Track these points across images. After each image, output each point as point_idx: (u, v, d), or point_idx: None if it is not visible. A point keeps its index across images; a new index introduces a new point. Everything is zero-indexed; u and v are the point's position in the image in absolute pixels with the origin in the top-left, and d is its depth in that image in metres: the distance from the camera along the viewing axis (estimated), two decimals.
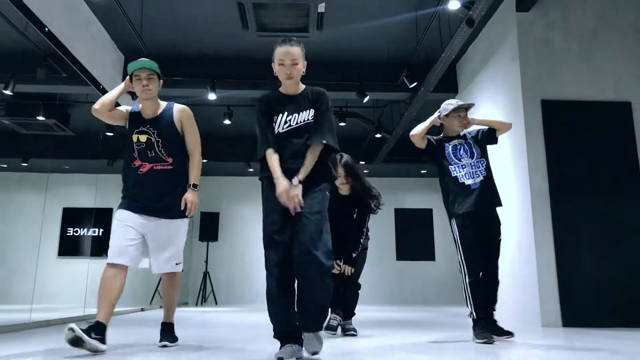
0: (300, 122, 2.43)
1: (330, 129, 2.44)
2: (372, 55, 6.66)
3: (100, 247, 10.93)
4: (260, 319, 5.40)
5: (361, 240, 3.76)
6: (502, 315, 5.34)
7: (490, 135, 3.49)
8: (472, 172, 3.34)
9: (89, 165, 9.56)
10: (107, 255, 2.63)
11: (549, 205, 4.68)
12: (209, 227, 10.70)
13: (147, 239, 2.81)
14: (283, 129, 2.43)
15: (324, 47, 6.31)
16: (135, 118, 2.94)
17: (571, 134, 4.87)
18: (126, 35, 6.01)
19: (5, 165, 9.79)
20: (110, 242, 2.73)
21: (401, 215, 11.82)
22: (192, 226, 11.24)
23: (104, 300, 2.57)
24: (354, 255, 3.71)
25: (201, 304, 10.30)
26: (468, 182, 3.33)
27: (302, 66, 2.47)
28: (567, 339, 3.38)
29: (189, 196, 2.81)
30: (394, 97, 7.00)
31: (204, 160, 10.80)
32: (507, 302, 5.09)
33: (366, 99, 6.53)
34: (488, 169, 3.36)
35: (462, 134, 3.52)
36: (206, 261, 10.56)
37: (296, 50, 2.43)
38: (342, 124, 7.69)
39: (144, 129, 2.88)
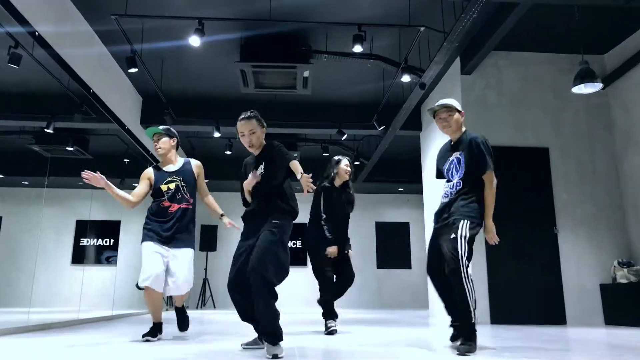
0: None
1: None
2: (349, 102, 8.03)
3: (109, 256, 12.15)
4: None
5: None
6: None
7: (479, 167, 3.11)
8: (449, 192, 3.19)
9: None
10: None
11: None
12: (208, 239, 11.96)
13: (169, 265, 3.52)
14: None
15: (310, 96, 7.65)
16: (160, 174, 3.66)
17: (501, 173, 6.21)
18: (146, 83, 7.27)
19: (27, 183, 11.02)
20: (145, 268, 3.38)
21: (381, 227, 13.15)
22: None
23: (154, 310, 3.55)
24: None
25: (201, 307, 11.54)
26: (442, 199, 3.25)
27: (260, 133, 3.03)
28: (494, 330, 4.69)
29: (227, 220, 3.70)
30: (368, 133, 8.34)
31: (206, 181, 12.11)
32: None
33: (344, 137, 7.87)
34: (459, 191, 3.11)
35: (463, 140, 3.23)
36: (205, 269, 11.81)
37: (253, 122, 2.99)
38: (325, 154, 9.03)
39: (171, 178, 3.63)
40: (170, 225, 3.55)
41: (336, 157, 4.56)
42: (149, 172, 3.70)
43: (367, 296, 12.52)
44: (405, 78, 5.68)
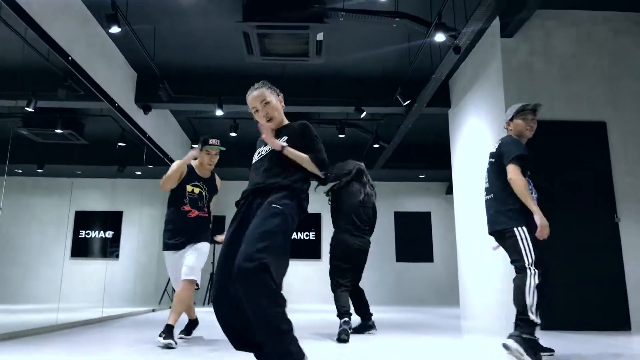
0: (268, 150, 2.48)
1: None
2: (369, 74, 7.09)
3: (111, 249, 11.44)
4: None
5: None
6: (488, 317, 5.79)
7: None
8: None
9: (99, 171, 10.04)
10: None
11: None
12: (215, 230, 11.12)
13: (184, 255, 3.74)
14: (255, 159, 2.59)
15: (324, 67, 6.74)
16: (191, 173, 3.85)
17: (550, 152, 5.27)
18: (139, 55, 6.42)
19: (20, 171, 10.26)
20: (170, 276, 3.88)
21: (400, 218, 12.25)
22: None
23: (185, 309, 3.80)
24: None
25: (208, 304, 10.77)
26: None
27: (276, 101, 2.48)
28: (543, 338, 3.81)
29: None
30: (390, 111, 7.41)
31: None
32: (494, 309, 5.52)
33: (363, 115, 6.96)
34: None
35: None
36: (213, 262, 11.03)
37: (263, 91, 2.46)
38: (341, 135, 8.13)
39: (198, 183, 3.85)
40: (187, 229, 3.76)
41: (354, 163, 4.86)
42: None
43: (386, 291, 11.66)
44: (439, 37, 4.74)
